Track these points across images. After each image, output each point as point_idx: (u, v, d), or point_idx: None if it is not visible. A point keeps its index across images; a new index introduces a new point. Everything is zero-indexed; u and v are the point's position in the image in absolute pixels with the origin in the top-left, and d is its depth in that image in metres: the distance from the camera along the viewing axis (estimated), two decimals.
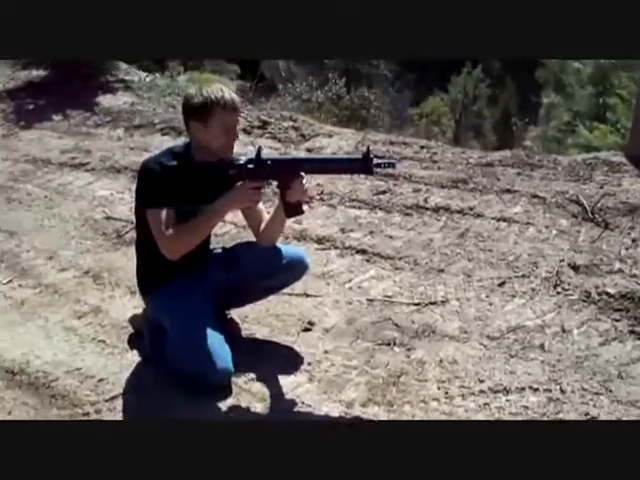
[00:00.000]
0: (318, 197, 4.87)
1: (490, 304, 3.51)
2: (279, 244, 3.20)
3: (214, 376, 2.85)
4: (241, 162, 2.88)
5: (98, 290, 3.83)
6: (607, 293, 3.52)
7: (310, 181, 2.94)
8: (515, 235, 4.20)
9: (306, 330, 3.35)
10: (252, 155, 2.88)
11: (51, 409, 2.89)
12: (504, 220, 4.39)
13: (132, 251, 3.31)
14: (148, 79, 8.55)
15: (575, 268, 3.77)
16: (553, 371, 2.98)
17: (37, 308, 3.68)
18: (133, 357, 3.21)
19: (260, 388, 2.93)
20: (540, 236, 4.17)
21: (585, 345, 3.16)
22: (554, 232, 4.20)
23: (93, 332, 3.43)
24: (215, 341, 2.89)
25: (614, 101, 14.05)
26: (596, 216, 4.34)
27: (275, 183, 2.93)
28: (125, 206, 4.91)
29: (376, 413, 2.77)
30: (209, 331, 2.91)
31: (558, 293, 3.57)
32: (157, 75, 9.12)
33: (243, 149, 3.04)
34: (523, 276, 3.74)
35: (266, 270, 3.12)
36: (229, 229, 4.39)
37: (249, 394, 2.90)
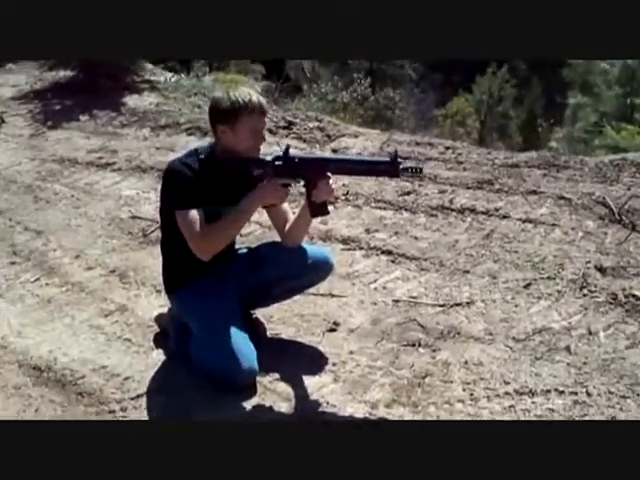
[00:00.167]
0: (343, 197, 4.87)
1: (516, 306, 3.49)
2: (304, 244, 3.20)
3: (239, 376, 2.85)
4: (268, 159, 2.89)
5: (124, 289, 3.86)
6: (634, 295, 3.49)
7: (336, 181, 2.93)
8: (541, 236, 4.18)
9: (331, 330, 3.35)
10: (279, 153, 2.89)
11: (77, 406, 2.90)
12: (530, 221, 4.37)
13: (158, 250, 3.32)
14: (174, 79, 8.61)
15: (602, 270, 3.74)
16: (579, 374, 2.96)
17: (64, 306, 3.70)
18: (159, 356, 3.22)
19: (285, 388, 2.93)
20: (566, 238, 4.14)
21: (612, 348, 3.13)
22: (580, 234, 4.17)
23: (119, 330, 3.45)
24: (240, 341, 2.90)
25: None
26: (623, 218, 4.30)
27: (301, 183, 2.93)
28: (151, 205, 4.93)
29: (401, 414, 2.76)
30: (234, 331, 2.92)
31: (584, 295, 3.54)
32: (182, 75, 9.20)
33: (268, 149, 3.04)
34: (549, 278, 3.71)
35: (291, 270, 3.13)
36: (254, 229, 4.40)
37: (274, 394, 2.90)
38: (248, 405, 2.83)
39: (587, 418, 2.68)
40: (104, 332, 3.44)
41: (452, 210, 4.60)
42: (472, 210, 4.57)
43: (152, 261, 4.02)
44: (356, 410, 2.79)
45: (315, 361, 3.12)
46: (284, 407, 2.82)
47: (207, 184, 2.93)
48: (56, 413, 2.86)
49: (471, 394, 2.86)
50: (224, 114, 2.91)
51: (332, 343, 3.25)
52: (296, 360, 3.12)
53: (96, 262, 4.18)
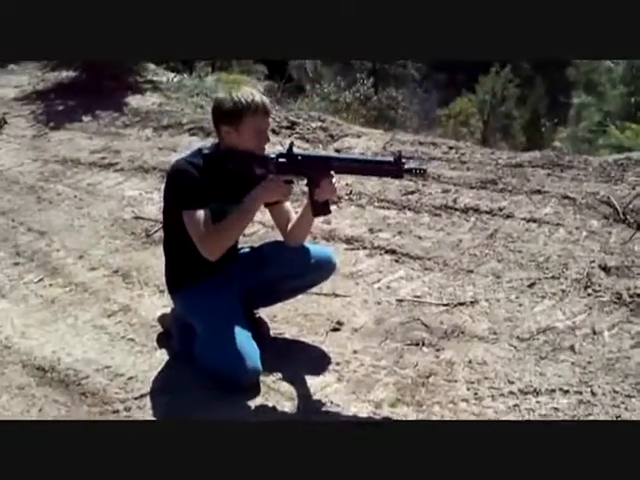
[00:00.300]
0: (347, 197, 4.86)
1: (520, 305, 3.49)
2: (307, 244, 3.19)
3: (243, 375, 2.85)
4: (272, 156, 2.89)
5: (127, 289, 3.85)
6: (639, 295, 3.48)
7: (339, 181, 2.93)
8: (545, 236, 4.17)
9: (335, 330, 3.34)
10: (283, 150, 2.89)
11: (81, 406, 2.90)
12: (534, 221, 4.36)
13: (161, 250, 3.32)
14: (176, 80, 8.60)
15: (606, 270, 3.73)
16: (584, 373, 2.95)
17: (67, 307, 3.70)
18: (162, 356, 3.22)
19: (288, 388, 2.93)
20: (570, 237, 4.13)
21: (616, 347, 3.12)
22: (585, 233, 4.16)
23: (122, 330, 3.45)
24: (243, 340, 2.89)
25: None
26: (628, 217, 4.29)
27: (304, 181, 2.93)
28: (154, 206, 4.93)
29: (405, 413, 2.75)
30: (238, 330, 2.91)
31: (589, 295, 3.53)
32: (185, 76, 9.19)
33: (271, 149, 3.03)
34: (553, 277, 3.71)
35: (294, 270, 3.12)
36: (257, 229, 4.39)
37: (278, 393, 2.89)
38: (252, 405, 2.83)
39: (592, 417, 2.67)
40: (108, 332, 3.44)
41: (456, 210, 4.60)
42: (476, 210, 4.57)
43: (155, 261, 4.02)
44: (360, 410, 2.78)
45: (319, 361, 3.11)
46: (288, 407, 2.82)
47: (212, 182, 2.92)
48: (60, 413, 2.86)
49: (475, 393, 2.85)
50: (227, 115, 2.91)
51: (336, 342, 3.24)
52: (300, 360, 3.12)
53: (99, 262, 4.18)
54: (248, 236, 4.16)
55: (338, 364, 3.08)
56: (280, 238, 3.24)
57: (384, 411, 2.77)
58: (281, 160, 2.86)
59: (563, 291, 3.57)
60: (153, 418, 2.80)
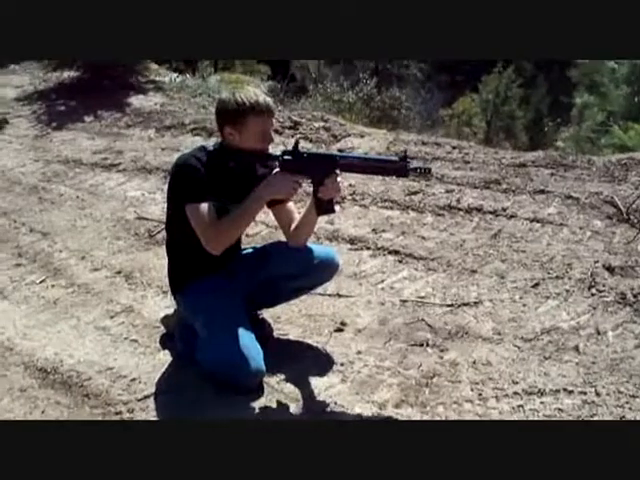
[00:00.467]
0: (350, 197, 4.85)
1: (524, 305, 3.48)
2: (310, 244, 3.18)
3: (246, 376, 2.84)
4: (277, 154, 2.88)
5: (130, 290, 3.85)
6: None
7: (342, 181, 2.92)
8: (549, 236, 4.16)
9: (338, 330, 3.33)
10: (289, 148, 2.88)
11: (84, 408, 2.89)
12: (537, 221, 4.35)
13: (163, 251, 3.30)
14: (179, 80, 8.61)
15: (610, 270, 3.72)
16: (588, 373, 2.94)
17: (70, 308, 3.69)
18: (165, 357, 3.21)
19: (292, 388, 2.92)
20: (574, 237, 4.12)
21: (620, 347, 3.12)
22: (588, 233, 4.16)
23: (125, 332, 3.44)
24: (247, 341, 2.88)
25: None
26: (631, 217, 4.28)
27: (307, 181, 2.92)
28: (156, 206, 4.93)
29: (409, 414, 2.75)
30: (241, 331, 2.90)
31: (593, 295, 3.53)
32: (188, 76, 9.20)
33: (274, 149, 3.02)
34: (557, 277, 3.70)
35: (297, 270, 3.11)
36: (260, 229, 4.39)
37: (281, 394, 2.88)
38: (255, 405, 2.82)
39: (596, 418, 2.67)
40: (110, 333, 3.43)
41: (459, 210, 4.59)
42: (479, 210, 4.56)
43: (158, 262, 4.01)
44: (364, 410, 2.77)
45: (322, 361, 3.11)
46: (291, 407, 2.81)
47: (215, 180, 2.91)
48: (62, 415, 2.85)
49: (479, 394, 2.84)
50: (231, 116, 2.89)
51: (339, 343, 3.23)
52: (303, 360, 3.11)
53: (102, 263, 4.18)
54: (251, 236, 4.15)
55: (342, 365, 3.07)
56: (283, 238, 3.23)
57: (388, 412, 2.77)
58: (286, 158, 2.85)
59: (567, 291, 3.56)
60: (156, 419, 2.79)
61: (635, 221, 4.24)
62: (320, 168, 2.84)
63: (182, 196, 2.94)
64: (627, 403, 2.74)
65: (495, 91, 27.48)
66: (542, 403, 2.77)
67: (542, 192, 4.74)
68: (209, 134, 6.29)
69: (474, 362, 3.05)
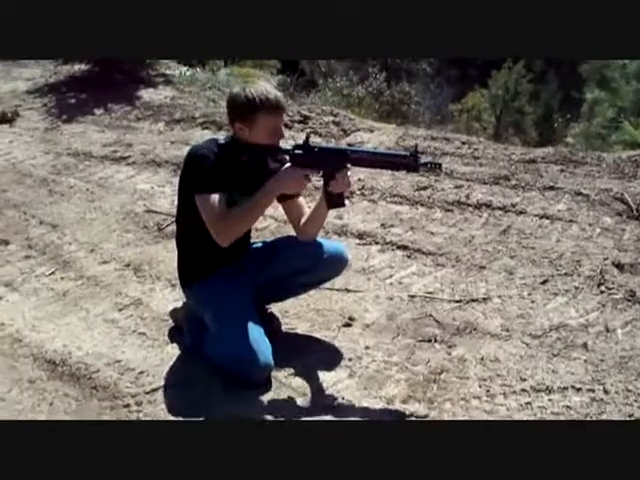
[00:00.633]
0: (359, 192, 4.85)
1: (532, 302, 3.47)
2: (319, 239, 3.18)
3: (255, 370, 2.84)
4: (288, 148, 2.88)
5: (139, 283, 3.85)
6: None
7: (351, 176, 2.92)
8: (558, 233, 4.15)
9: (347, 325, 3.33)
10: (300, 142, 2.88)
11: (92, 400, 2.90)
12: (547, 217, 4.34)
13: (173, 244, 3.31)
14: (189, 73, 8.60)
15: (619, 267, 3.71)
16: (596, 371, 2.93)
17: (79, 300, 3.70)
18: (173, 350, 3.22)
19: (300, 383, 2.93)
20: (584, 234, 4.11)
21: (629, 345, 3.11)
22: (598, 230, 4.14)
23: (134, 324, 3.44)
24: (256, 335, 2.88)
25: None
26: None
27: (318, 175, 2.92)
28: (166, 199, 4.93)
29: (416, 410, 2.74)
30: (249, 325, 2.90)
31: (602, 292, 3.52)
32: (198, 69, 9.18)
33: (284, 144, 3.02)
34: (566, 274, 3.69)
35: (306, 265, 3.11)
36: (269, 224, 4.39)
37: (289, 389, 2.89)
38: (263, 400, 2.82)
39: (604, 416, 2.66)
40: (119, 326, 3.44)
41: (468, 205, 4.58)
42: (489, 206, 4.55)
43: (167, 255, 4.02)
44: (371, 405, 2.78)
45: (330, 356, 3.11)
46: (299, 402, 2.82)
47: (227, 171, 2.91)
48: (70, 407, 2.87)
49: (487, 391, 2.84)
50: (242, 112, 2.89)
51: (348, 338, 3.24)
52: (311, 355, 3.11)
53: (111, 256, 4.18)
54: (260, 230, 4.15)
55: (350, 360, 3.07)
56: (292, 233, 3.23)
57: (396, 407, 2.76)
58: (297, 152, 2.86)
59: (576, 288, 3.56)
60: (164, 412, 2.80)
61: None
62: (331, 162, 2.84)
63: (193, 186, 2.94)
64: (636, 401, 2.74)
65: (505, 86, 27.40)
66: (550, 400, 2.76)
67: (552, 188, 4.73)
68: (219, 128, 6.28)
69: (482, 358, 3.05)
